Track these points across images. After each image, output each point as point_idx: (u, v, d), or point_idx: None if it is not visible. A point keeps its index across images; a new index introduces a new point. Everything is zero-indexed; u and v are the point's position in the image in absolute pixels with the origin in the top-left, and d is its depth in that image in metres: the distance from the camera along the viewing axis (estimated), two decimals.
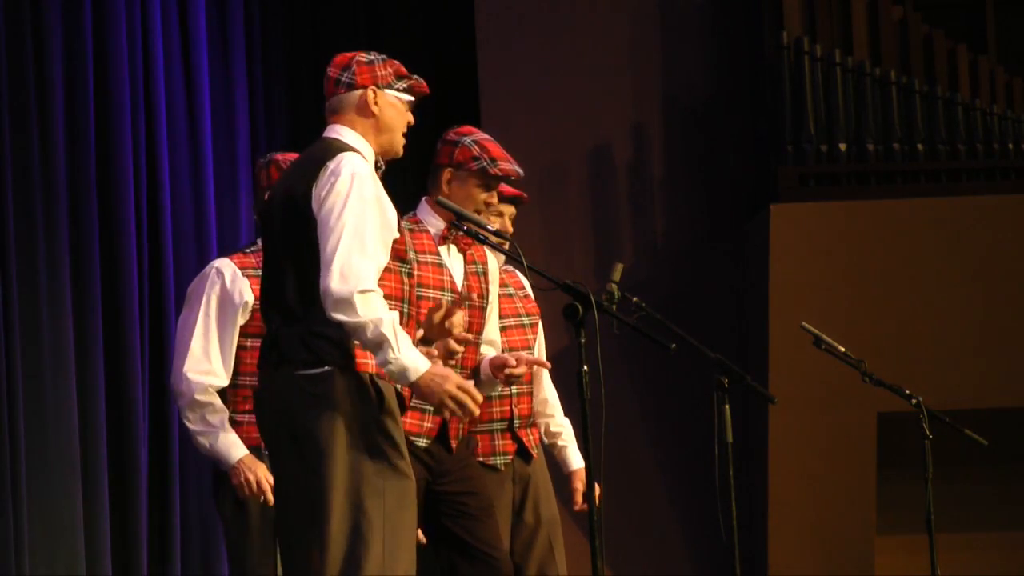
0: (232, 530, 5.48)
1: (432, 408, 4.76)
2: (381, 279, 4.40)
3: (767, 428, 8.59)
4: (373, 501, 4.35)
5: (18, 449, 7.51)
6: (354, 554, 4.34)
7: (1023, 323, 8.68)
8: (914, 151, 8.74)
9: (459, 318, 4.64)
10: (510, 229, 5.56)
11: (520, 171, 5.20)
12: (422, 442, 5.01)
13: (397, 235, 4.47)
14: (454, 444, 5.08)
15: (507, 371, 5.06)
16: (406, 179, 7.32)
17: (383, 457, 4.37)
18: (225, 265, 5.49)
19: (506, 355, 5.13)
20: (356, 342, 4.36)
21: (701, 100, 9.13)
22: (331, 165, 4.42)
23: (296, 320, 4.42)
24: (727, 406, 5.43)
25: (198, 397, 5.36)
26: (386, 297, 4.39)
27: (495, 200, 5.19)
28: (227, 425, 5.36)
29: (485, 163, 5.10)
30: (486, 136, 5.25)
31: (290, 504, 4.46)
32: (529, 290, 5.68)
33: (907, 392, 6.33)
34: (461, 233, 5.14)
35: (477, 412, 4.42)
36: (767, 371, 8.49)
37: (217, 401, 5.36)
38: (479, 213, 5.13)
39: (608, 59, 9.08)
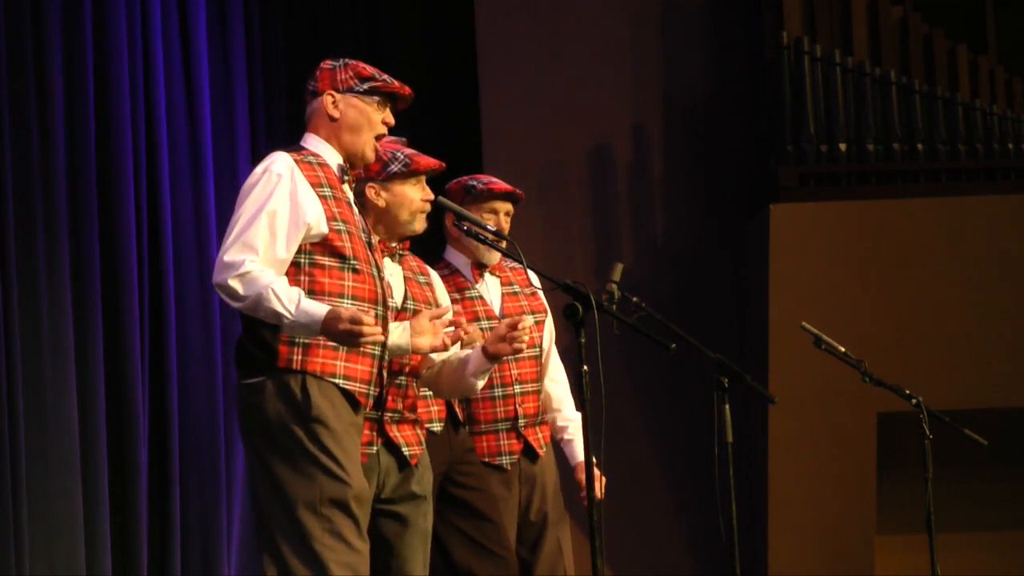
0: None
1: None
2: (319, 278, 4.46)
3: (767, 428, 8.59)
4: (308, 509, 4.39)
5: (18, 449, 7.51)
6: (298, 560, 4.39)
7: (1023, 323, 8.68)
8: (914, 151, 8.74)
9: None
10: (505, 226, 5.57)
11: (437, 162, 5.17)
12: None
13: (325, 231, 4.50)
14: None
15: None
16: None
17: (315, 464, 4.41)
18: None
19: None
20: (281, 341, 4.44)
21: (701, 100, 9.12)
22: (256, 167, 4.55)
23: (243, 326, 4.54)
24: (727, 406, 5.43)
25: None
26: (330, 294, 4.45)
27: (431, 195, 5.16)
28: None
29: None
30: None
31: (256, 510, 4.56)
32: (538, 285, 5.67)
33: (907, 392, 6.33)
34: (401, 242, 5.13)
35: (376, 331, 4.37)
36: (767, 371, 8.49)
37: None
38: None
39: (608, 59, 9.08)
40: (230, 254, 4.41)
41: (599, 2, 9.11)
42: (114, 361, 7.90)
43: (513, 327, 4.79)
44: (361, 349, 4.47)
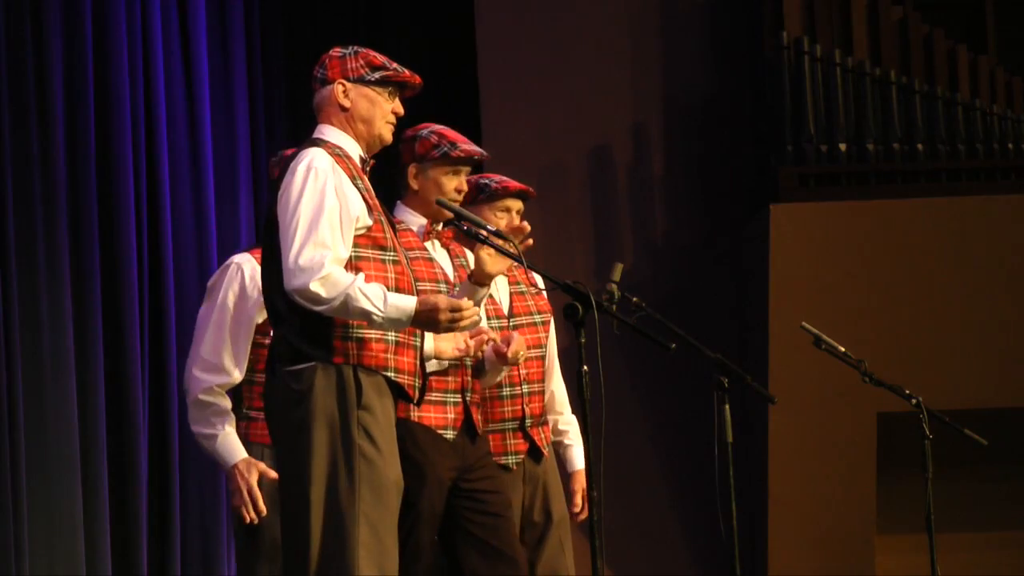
0: (241, 541, 5.42)
1: (454, 400, 5.00)
2: (364, 271, 4.46)
3: (767, 428, 8.59)
4: (348, 499, 4.38)
5: (18, 449, 7.51)
6: (330, 553, 4.37)
7: (1023, 323, 8.68)
8: (914, 151, 8.74)
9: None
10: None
11: (482, 151, 5.21)
12: (449, 434, 5.06)
13: (370, 223, 4.50)
14: (479, 431, 5.15)
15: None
16: None
17: (360, 455, 4.40)
18: (245, 260, 5.36)
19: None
20: (336, 336, 4.42)
21: (701, 100, 9.13)
22: (292, 165, 4.48)
23: (283, 320, 4.50)
24: (727, 406, 5.43)
25: (201, 397, 5.29)
26: None
27: (464, 185, 5.21)
28: (228, 427, 5.25)
29: (446, 147, 5.14)
30: (443, 127, 5.28)
31: (284, 500, 4.51)
32: (542, 285, 5.67)
33: (907, 392, 6.33)
34: (443, 228, 5.21)
35: (474, 311, 4.50)
36: (767, 371, 8.49)
37: (221, 402, 5.27)
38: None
39: (608, 59, 9.08)
40: (304, 257, 4.37)
41: (599, 2, 9.11)
42: (114, 361, 7.90)
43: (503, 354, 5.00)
44: (405, 342, 4.49)
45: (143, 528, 7.87)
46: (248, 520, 5.22)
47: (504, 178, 5.60)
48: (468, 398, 5.11)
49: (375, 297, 4.36)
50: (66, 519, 7.62)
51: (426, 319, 4.41)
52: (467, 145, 5.20)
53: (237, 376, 5.30)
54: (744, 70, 9.07)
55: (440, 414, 5.04)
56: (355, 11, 8.99)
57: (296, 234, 4.38)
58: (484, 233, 4.94)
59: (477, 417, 5.16)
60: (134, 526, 7.85)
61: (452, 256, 5.29)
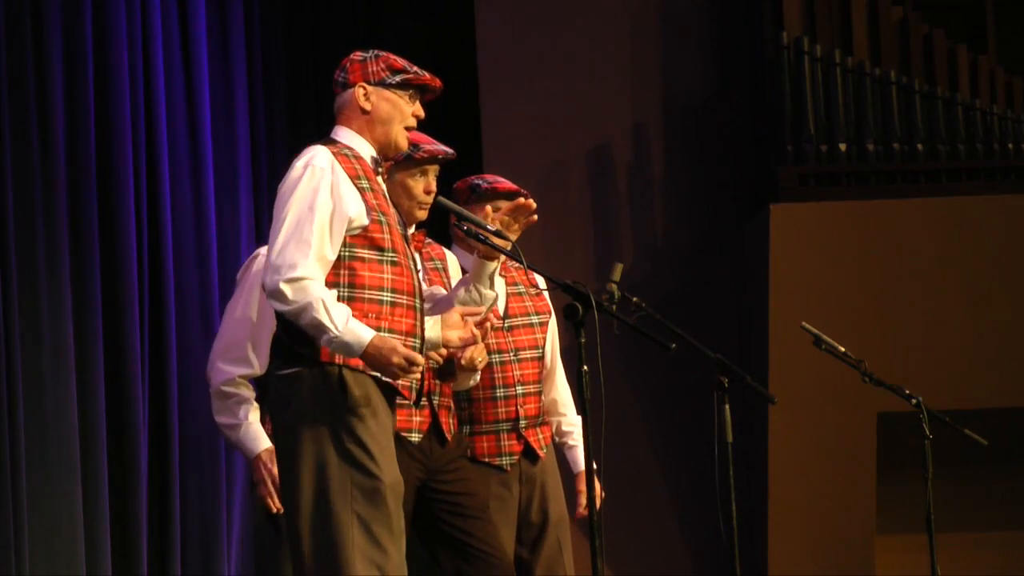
0: (264, 531, 5.40)
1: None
2: (359, 270, 4.45)
3: (767, 428, 8.59)
4: (340, 501, 4.38)
5: (18, 449, 7.51)
6: (322, 554, 4.37)
7: (1023, 323, 8.68)
8: (914, 151, 8.74)
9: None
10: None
11: (449, 150, 5.15)
12: (415, 437, 5.02)
13: (366, 223, 4.48)
14: (448, 435, 5.09)
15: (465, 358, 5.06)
16: None
17: (348, 458, 4.40)
18: None
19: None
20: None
21: (701, 100, 9.12)
22: (293, 162, 4.50)
23: (281, 320, 4.50)
24: (727, 406, 5.43)
25: (223, 388, 5.27)
26: (370, 287, 4.44)
27: (433, 186, 5.16)
28: (251, 417, 5.23)
29: (409, 150, 5.08)
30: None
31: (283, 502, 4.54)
32: (543, 285, 5.65)
33: (907, 392, 6.33)
34: (415, 231, 5.16)
35: (417, 375, 4.49)
36: (767, 371, 8.49)
37: (244, 391, 5.25)
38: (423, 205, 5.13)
39: (608, 59, 9.08)
40: (283, 255, 4.36)
41: (599, 2, 9.11)
42: (114, 361, 7.90)
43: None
44: (403, 344, 4.45)
45: (143, 528, 7.87)
46: (275, 509, 5.20)
47: (497, 178, 5.58)
48: (436, 401, 5.06)
49: (336, 314, 4.33)
50: (66, 519, 7.62)
51: (380, 357, 4.35)
52: (431, 145, 5.14)
53: (258, 367, 5.29)
54: (744, 70, 9.07)
55: (404, 417, 4.97)
56: (355, 12, 8.98)
57: (280, 230, 4.39)
58: (485, 234, 4.94)
59: (446, 420, 5.09)
60: (134, 526, 7.85)
61: (424, 259, 5.26)
